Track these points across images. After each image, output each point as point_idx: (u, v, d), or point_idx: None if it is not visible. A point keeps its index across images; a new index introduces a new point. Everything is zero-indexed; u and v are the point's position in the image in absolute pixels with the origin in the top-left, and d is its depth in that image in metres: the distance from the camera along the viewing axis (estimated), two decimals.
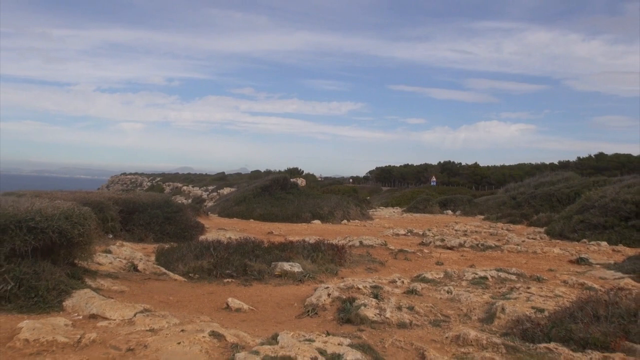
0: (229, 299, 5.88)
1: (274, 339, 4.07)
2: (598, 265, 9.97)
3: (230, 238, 10.45)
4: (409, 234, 15.99)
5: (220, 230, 14.60)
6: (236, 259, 7.92)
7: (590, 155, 54.72)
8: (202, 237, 11.58)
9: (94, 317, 4.66)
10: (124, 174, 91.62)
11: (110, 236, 10.48)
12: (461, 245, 12.54)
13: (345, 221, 21.35)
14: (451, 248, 12.29)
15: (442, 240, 13.15)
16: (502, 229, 18.98)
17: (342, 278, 7.72)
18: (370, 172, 76.33)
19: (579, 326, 4.38)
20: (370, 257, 10.17)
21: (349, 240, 12.15)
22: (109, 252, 8.52)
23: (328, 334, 4.41)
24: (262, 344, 3.96)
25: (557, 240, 15.13)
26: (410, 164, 70.61)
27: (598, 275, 8.64)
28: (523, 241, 14.28)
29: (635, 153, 50.66)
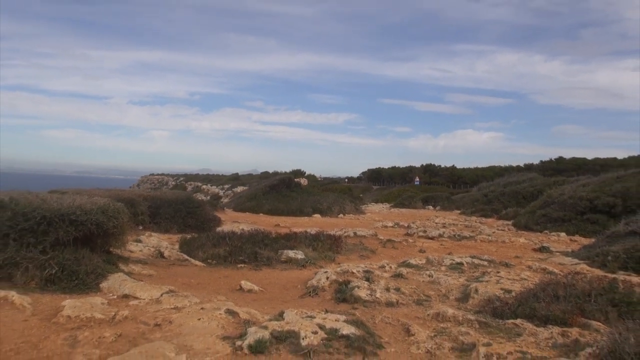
0: (242, 282, 5.88)
1: (280, 316, 4.07)
2: (558, 253, 9.97)
3: (243, 229, 10.43)
4: (396, 226, 15.97)
5: (235, 222, 14.58)
6: (248, 247, 7.91)
7: (551, 159, 54.52)
8: (219, 229, 11.57)
9: (126, 297, 4.66)
10: (152, 174, 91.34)
11: (140, 228, 10.46)
12: (440, 235, 12.53)
13: (341, 215, 21.31)
14: (432, 238, 12.27)
15: (424, 231, 13.13)
16: (475, 221, 18.93)
17: (339, 264, 7.72)
18: (362, 173, 76.13)
19: (541, 305, 4.39)
20: (363, 245, 10.16)
21: (345, 232, 12.14)
22: (139, 241, 8.52)
23: (327, 311, 4.42)
24: (270, 320, 3.97)
25: (523, 232, 15.12)
26: (397, 166, 70.42)
27: (558, 262, 8.63)
28: (493, 232, 14.25)
29: (589, 157, 50.68)
